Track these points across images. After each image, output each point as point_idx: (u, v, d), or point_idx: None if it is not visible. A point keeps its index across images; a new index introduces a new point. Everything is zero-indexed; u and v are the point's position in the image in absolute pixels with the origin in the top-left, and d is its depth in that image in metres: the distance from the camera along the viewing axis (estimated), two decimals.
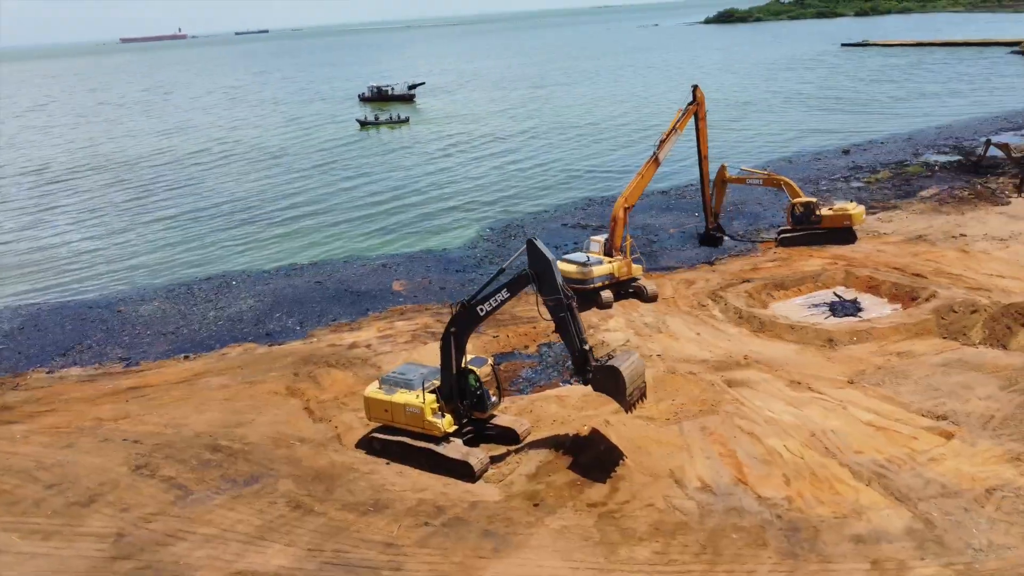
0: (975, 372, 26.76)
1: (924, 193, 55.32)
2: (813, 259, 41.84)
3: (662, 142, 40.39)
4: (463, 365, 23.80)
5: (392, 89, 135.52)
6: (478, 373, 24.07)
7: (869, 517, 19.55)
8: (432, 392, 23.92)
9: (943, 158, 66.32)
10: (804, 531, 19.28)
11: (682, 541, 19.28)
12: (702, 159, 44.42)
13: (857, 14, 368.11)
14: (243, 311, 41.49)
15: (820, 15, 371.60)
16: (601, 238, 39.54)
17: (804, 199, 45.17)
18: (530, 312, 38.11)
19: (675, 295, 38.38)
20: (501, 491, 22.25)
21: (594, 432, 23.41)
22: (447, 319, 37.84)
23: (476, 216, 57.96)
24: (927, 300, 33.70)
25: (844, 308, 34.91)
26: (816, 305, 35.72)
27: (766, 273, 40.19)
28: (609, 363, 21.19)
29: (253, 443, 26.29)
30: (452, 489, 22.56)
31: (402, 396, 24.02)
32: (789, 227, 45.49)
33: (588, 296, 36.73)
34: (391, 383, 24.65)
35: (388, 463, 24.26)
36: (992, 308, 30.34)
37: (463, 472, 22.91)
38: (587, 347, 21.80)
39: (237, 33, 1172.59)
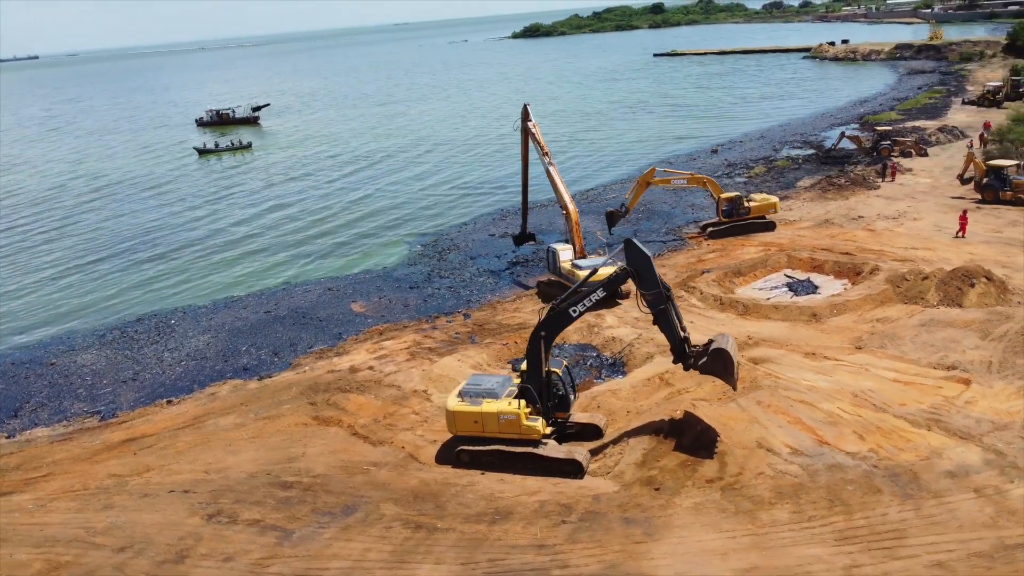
0: (951, 328, 31.05)
1: (802, 183, 61.78)
2: (747, 247, 45.82)
3: (544, 153, 43.16)
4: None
5: (233, 112, 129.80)
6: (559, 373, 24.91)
7: (948, 456, 22.51)
8: (518, 397, 24.44)
9: (800, 152, 74.13)
10: (904, 475, 21.89)
11: (809, 499, 21.26)
12: (525, 168, 47.50)
13: (651, 26, 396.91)
14: (201, 349, 39.19)
15: (618, 28, 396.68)
16: (568, 246, 41.06)
17: (730, 194, 49.35)
18: (517, 319, 39.14)
19: None
20: (615, 482, 23.24)
21: (688, 415, 24.96)
22: (434, 335, 38.29)
23: (398, 235, 57.63)
24: (871, 273, 38.26)
25: (803, 287, 38.77)
26: (775, 287, 39.36)
27: (712, 263, 43.55)
28: (715, 347, 22.85)
29: (323, 474, 25.42)
30: (565, 487, 23.24)
31: (492, 405, 24.30)
32: (717, 221, 49.43)
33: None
34: (472, 395, 24.84)
35: (483, 473, 24.45)
36: (939, 274, 35.11)
37: (570, 470, 23.65)
38: (686, 335, 23.35)
39: (1, 60, 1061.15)
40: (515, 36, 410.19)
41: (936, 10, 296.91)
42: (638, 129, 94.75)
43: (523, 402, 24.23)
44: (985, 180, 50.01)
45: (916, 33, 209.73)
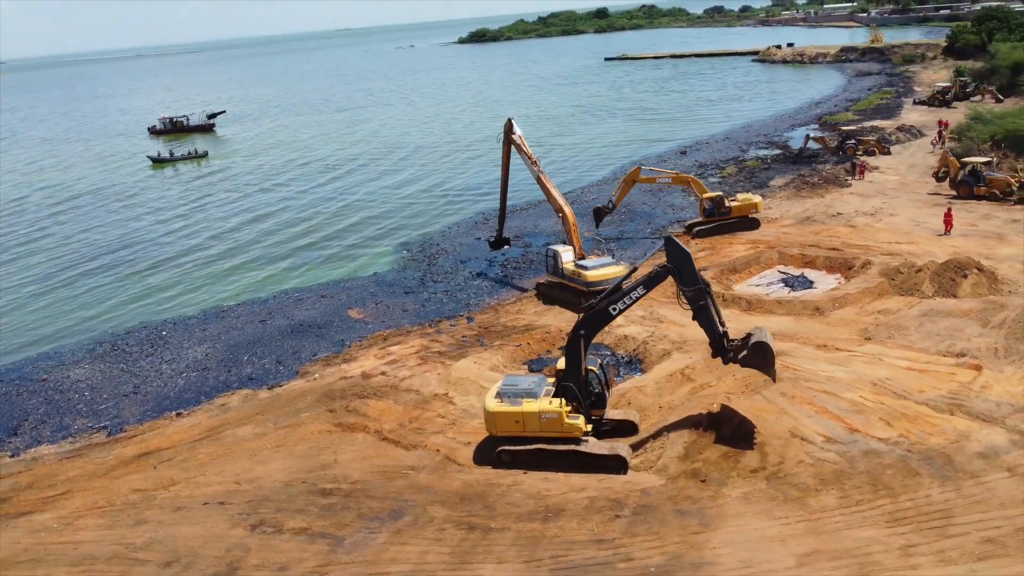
0: (952, 317, 32.34)
1: (775, 183, 63.33)
2: (735, 245, 46.83)
3: (533, 162, 43.94)
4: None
5: (187, 120, 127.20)
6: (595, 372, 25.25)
7: (976, 438, 23.51)
8: (556, 396, 24.71)
9: (767, 152, 75.98)
10: (937, 458, 22.80)
11: (852, 484, 22.00)
12: (505, 178, 48.06)
13: (596, 31, 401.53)
14: (200, 360, 38.52)
15: (564, 33, 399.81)
16: (568, 247, 41.28)
17: (713, 194, 50.44)
18: (522, 320, 39.38)
19: None
20: (660, 475, 23.67)
21: (725, 408, 25.53)
22: (440, 339, 38.21)
23: (384, 242, 57.20)
24: (863, 268, 39.54)
25: (798, 283, 39.87)
26: (771, 283, 40.38)
27: (705, 262, 44.36)
28: (755, 340, 23.50)
29: (361, 480, 25.28)
30: (611, 483, 23.58)
31: (533, 404, 24.51)
32: (701, 220, 50.44)
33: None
34: (511, 395, 24.99)
35: (525, 472, 24.62)
36: (931, 266, 36.52)
37: (614, 465, 24.00)
38: (725, 329, 23.93)
39: None
40: (462, 41, 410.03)
41: (872, 14, 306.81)
42: (607, 133, 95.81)
43: (563, 400, 24.49)
44: (960, 177, 52.02)
45: (853, 36, 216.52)
